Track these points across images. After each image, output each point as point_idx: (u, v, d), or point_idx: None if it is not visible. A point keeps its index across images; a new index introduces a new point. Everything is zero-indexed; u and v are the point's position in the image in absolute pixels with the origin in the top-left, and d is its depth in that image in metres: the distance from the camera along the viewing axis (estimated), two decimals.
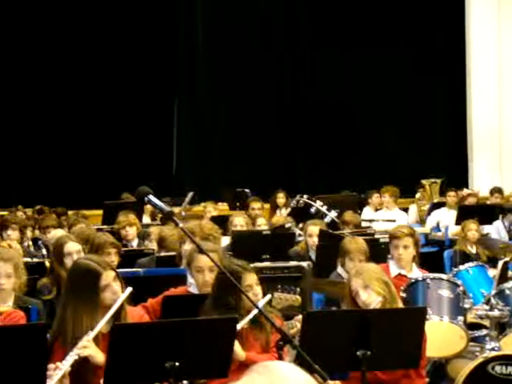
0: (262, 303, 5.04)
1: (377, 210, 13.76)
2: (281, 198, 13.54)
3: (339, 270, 7.19)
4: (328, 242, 8.26)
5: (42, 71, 16.81)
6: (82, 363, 4.50)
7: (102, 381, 4.42)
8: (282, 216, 11.44)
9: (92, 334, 4.54)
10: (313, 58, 17.85)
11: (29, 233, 9.80)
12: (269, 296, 5.24)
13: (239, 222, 9.77)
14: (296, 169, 17.84)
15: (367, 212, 13.69)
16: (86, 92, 17.03)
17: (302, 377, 1.93)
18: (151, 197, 4.25)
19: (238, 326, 4.81)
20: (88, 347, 4.50)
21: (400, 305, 5.34)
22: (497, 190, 14.06)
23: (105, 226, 10.56)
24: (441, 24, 17.32)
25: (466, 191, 13.94)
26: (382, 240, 7.97)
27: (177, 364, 4.28)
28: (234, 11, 17.65)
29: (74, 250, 6.49)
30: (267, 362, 1.97)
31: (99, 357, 4.50)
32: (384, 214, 13.12)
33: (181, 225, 4.24)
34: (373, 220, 12.16)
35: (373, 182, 14.93)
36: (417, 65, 17.31)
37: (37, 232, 10.22)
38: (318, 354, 4.20)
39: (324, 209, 10.66)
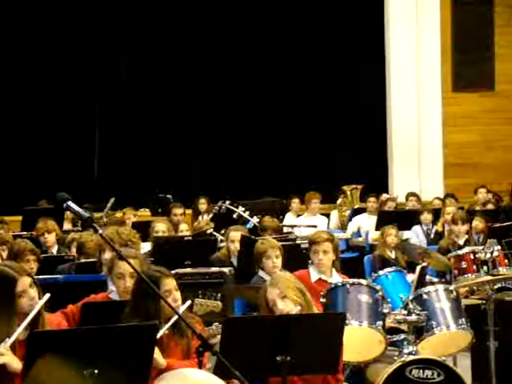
0: (182, 309, 5.02)
1: (298, 215, 13.86)
2: (202, 203, 13.55)
3: (261, 273, 7.23)
4: (250, 248, 8.27)
5: None
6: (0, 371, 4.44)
7: None
8: (203, 221, 11.43)
9: (9, 342, 4.47)
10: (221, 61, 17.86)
11: None
12: (189, 302, 5.22)
13: (161, 227, 9.74)
14: (219, 174, 17.84)
15: (289, 218, 13.78)
16: (9, 97, 16.79)
17: (213, 381, 1.94)
18: (70, 203, 4.20)
19: (159, 334, 4.78)
20: (5, 355, 4.43)
21: (315, 311, 5.40)
22: (412, 194, 14.31)
23: (24, 233, 10.43)
24: (360, 30, 17.50)
25: (384, 196, 14.13)
26: (303, 246, 8.02)
27: (95, 371, 4.23)
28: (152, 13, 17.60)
29: None
30: (177, 369, 1.97)
31: (16, 364, 4.44)
32: (306, 220, 13.21)
33: (100, 231, 4.21)
34: (294, 226, 12.24)
35: (294, 187, 15.03)
36: (338, 70, 17.45)
37: None
38: (239, 360, 4.21)
39: (246, 214, 10.71)
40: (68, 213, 11.23)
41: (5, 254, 6.94)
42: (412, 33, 17.15)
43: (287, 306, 5.11)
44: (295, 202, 14.12)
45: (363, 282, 6.46)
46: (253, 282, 7.01)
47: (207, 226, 10.22)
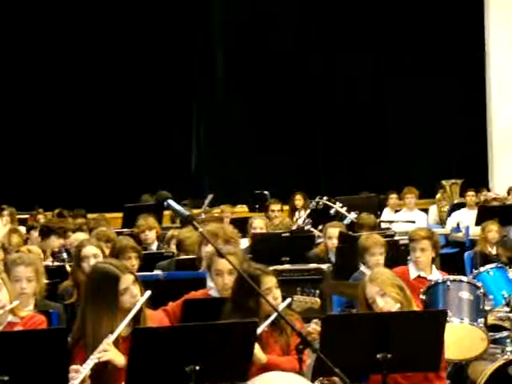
0: (281, 307, 5.04)
1: (396, 211, 13.73)
2: (299, 199, 13.52)
3: (362, 268, 7.17)
4: (347, 244, 8.24)
5: (62, 76, 16.89)
6: (103, 366, 4.53)
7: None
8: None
9: (112, 338, 4.57)
10: (333, 60, 17.84)
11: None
12: (289, 300, 5.23)
13: (258, 224, 9.77)
14: (316, 170, 17.82)
15: (386, 213, 13.66)
16: (107, 95, 17.10)
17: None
18: (170, 201, 4.25)
19: (258, 330, 4.81)
20: (108, 351, 4.53)
21: (415, 308, 5.33)
22: None
23: (125, 229, 10.60)
24: (460, 26, 17.26)
25: (489, 195, 13.86)
26: (401, 242, 7.95)
27: (197, 368, 4.29)
28: (251, 12, 17.66)
29: (90, 253, 6.52)
30: (264, 374, 1.96)
31: (119, 360, 4.53)
32: (404, 215, 13.08)
33: (200, 229, 4.24)
34: (392, 221, 12.12)
35: (392, 183, 14.90)
36: (437, 66, 17.24)
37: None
38: (339, 357, 4.20)
39: (343, 210, 10.63)
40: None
41: (108, 251, 7.06)
42: None
43: (387, 304, 5.06)
44: (393, 198, 13.98)
45: (464, 278, 6.37)
46: (354, 277, 6.96)
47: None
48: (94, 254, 6.52)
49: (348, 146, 17.43)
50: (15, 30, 16.72)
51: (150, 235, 9.42)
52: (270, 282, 5.16)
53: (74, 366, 4.36)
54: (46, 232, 8.93)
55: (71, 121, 17.00)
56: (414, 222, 11.83)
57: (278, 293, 5.18)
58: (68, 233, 9.09)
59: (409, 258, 7.05)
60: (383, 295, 5.07)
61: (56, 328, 5.08)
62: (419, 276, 6.81)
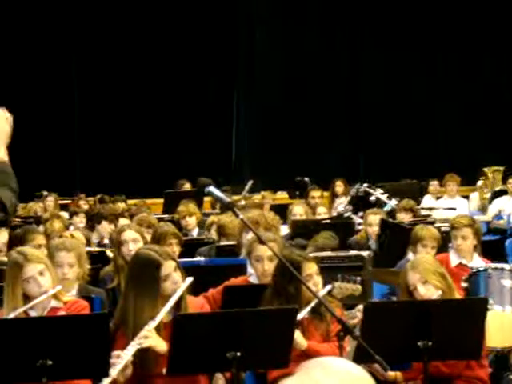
0: (322, 293, 5.04)
1: (437, 198, 13.64)
2: (338, 186, 13.47)
3: (410, 256, 7.13)
4: (388, 231, 8.20)
5: (105, 65, 17.03)
6: (144, 352, 4.56)
7: (164, 369, 4.47)
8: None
9: (153, 324, 4.59)
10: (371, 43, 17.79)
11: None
12: (329, 286, 5.22)
13: (299, 210, 9.75)
14: (357, 156, 17.76)
15: (427, 200, 13.58)
16: (148, 83, 17.21)
17: (354, 370, 1.93)
18: (211, 188, 4.26)
19: (299, 317, 4.81)
20: (150, 337, 4.55)
21: (457, 296, 5.30)
22: None
23: (165, 215, 10.65)
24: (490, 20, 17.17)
25: None
26: (442, 229, 7.88)
27: (238, 354, 4.30)
28: (292, 6, 17.66)
29: (129, 238, 6.54)
30: (321, 357, 1.97)
31: (161, 346, 4.55)
32: (445, 202, 12.99)
33: (241, 216, 4.24)
34: (433, 208, 12.04)
35: (433, 169, 14.81)
36: (481, 54, 17.15)
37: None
38: (379, 345, 4.20)
39: (384, 197, 10.57)
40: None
41: (149, 237, 7.09)
42: None
43: (428, 291, 5.03)
44: (434, 185, 13.89)
45: (506, 266, 6.31)
46: (400, 265, 6.90)
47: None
48: (133, 239, 6.54)
49: (389, 132, 17.34)
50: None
51: (191, 221, 9.45)
52: (310, 268, 5.16)
53: (115, 352, 4.40)
54: (97, 218, 9.02)
55: (113, 108, 17.12)
56: (455, 209, 11.73)
57: (318, 279, 5.17)
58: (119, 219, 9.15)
59: (450, 245, 7.00)
60: (425, 282, 5.04)
61: (98, 313, 5.12)
62: (460, 263, 6.76)
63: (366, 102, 17.68)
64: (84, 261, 5.77)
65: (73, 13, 17.04)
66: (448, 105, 17.26)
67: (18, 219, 11.85)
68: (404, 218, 9.03)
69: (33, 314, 4.70)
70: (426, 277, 5.04)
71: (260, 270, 5.66)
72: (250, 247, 5.83)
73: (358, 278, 6.04)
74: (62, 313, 4.72)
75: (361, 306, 5.14)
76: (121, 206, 11.87)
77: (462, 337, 4.74)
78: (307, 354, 4.79)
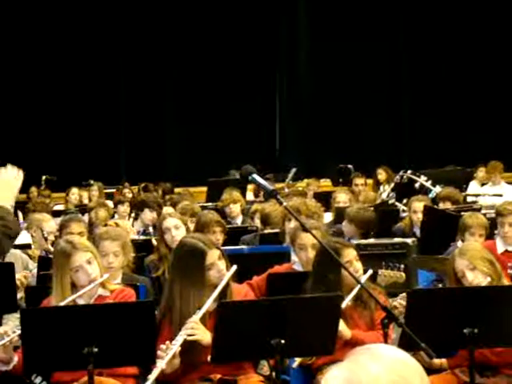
0: (364, 279, 5.01)
1: (483, 184, 13.50)
2: (380, 174, 13.41)
3: (458, 244, 7.07)
4: (433, 218, 8.15)
5: (156, 55, 17.13)
6: (190, 342, 4.57)
7: (208, 357, 4.49)
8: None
9: (200, 314, 4.58)
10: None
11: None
12: (370, 271, 5.19)
13: (342, 198, 9.73)
14: (401, 143, 17.65)
15: (473, 186, 13.45)
16: (191, 72, 17.28)
17: (402, 356, 1.93)
18: (255, 176, 4.25)
19: (343, 304, 4.80)
20: (196, 328, 4.55)
21: (505, 282, 5.24)
22: None
23: (209, 204, 10.69)
24: None
25: None
26: (488, 216, 7.81)
27: (282, 341, 4.30)
28: None
29: (171, 225, 6.55)
30: (369, 344, 1.98)
31: (207, 339, 4.54)
32: (490, 189, 12.86)
33: (284, 204, 4.24)
34: (479, 195, 11.93)
35: (478, 156, 14.65)
36: None
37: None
38: (424, 332, 4.17)
39: (428, 184, 10.50)
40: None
41: (192, 226, 7.11)
42: None
43: (477, 278, 4.97)
44: (481, 171, 13.73)
45: None
46: (448, 252, 6.86)
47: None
48: (175, 225, 6.55)
49: (435, 118, 17.20)
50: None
51: (235, 209, 9.47)
52: (349, 254, 5.15)
53: (162, 346, 4.40)
54: (140, 206, 9.05)
55: (159, 97, 17.23)
56: (501, 195, 11.61)
57: (358, 265, 5.15)
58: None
59: (496, 232, 6.93)
60: (473, 269, 4.99)
61: (145, 301, 5.15)
62: (506, 250, 6.70)
63: (409, 87, 17.54)
64: (128, 249, 5.80)
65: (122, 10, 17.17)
66: (493, 91, 17.06)
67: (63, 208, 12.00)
68: (442, 207, 8.93)
69: (80, 301, 4.74)
70: (474, 263, 4.99)
71: (304, 258, 5.66)
72: (293, 235, 5.82)
73: (402, 266, 6.01)
74: (108, 301, 4.76)
75: (403, 294, 5.11)
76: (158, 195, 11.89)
77: (509, 324, 4.69)
78: (351, 343, 4.77)
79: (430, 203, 8.91)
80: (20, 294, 5.76)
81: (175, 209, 8.70)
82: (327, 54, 17.46)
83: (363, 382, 1.87)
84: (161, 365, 4.32)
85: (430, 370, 4.82)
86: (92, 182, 14.17)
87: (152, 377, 4.32)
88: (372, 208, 8.86)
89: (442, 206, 8.93)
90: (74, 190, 13.12)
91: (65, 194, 13.23)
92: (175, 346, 4.42)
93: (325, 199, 9.67)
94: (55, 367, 4.47)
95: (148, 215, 8.73)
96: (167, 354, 4.36)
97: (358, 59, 17.29)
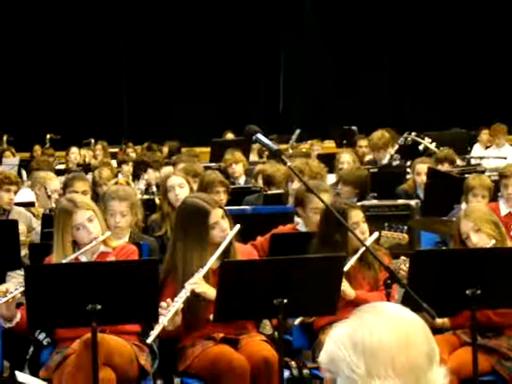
0: (369, 241, 5.02)
1: (487, 147, 13.47)
2: None
3: (462, 206, 7.07)
4: (437, 180, 8.13)
5: (158, 13, 17.06)
6: (193, 299, 4.59)
7: (211, 316, 4.51)
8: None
9: (203, 271, 4.61)
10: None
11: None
12: (376, 234, 5.20)
13: (346, 159, 9.69)
14: (404, 105, 17.59)
15: (477, 149, 13.43)
16: (195, 32, 17.21)
17: (414, 318, 1.94)
18: (259, 135, 4.23)
19: (347, 266, 4.81)
20: (199, 284, 4.58)
21: (509, 244, 5.23)
22: None
23: (212, 164, 10.67)
24: None
25: None
26: (492, 178, 7.80)
27: (285, 301, 4.31)
28: None
29: (175, 183, 6.51)
30: (377, 303, 1.98)
31: (211, 292, 4.58)
32: (494, 152, 12.84)
33: (289, 164, 4.22)
34: (483, 157, 11.91)
35: (482, 118, 14.60)
36: None
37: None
38: (427, 293, 4.18)
39: (432, 146, 10.47)
40: (254, 144, 11.42)
41: (195, 186, 7.10)
42: None
43: (481, 240, 4.97)
44: (485, 134, 13.70)
45: None
46: (452, 214, 6.85)
47: None
48: (179, 184, 6.51)
49: (438, 80, 17.13)
50: None
51: (237, 169, 9.46)
52: (356, 216, 5.14)
53: (163, 303, 4.42)
54: (142, 165, 9.03)
55: (161, 54, 17.17)
56: (505, 158, 11.60)
57: (365, 227, 5.15)
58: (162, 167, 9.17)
59: (499, 194, 6.92)
60: (478, 231, 4.98)
61: (148, 259, 5.16)
62: (510, 213, 6.69)
63: (415, 50, 17.45)
64: (137, 209, 5.80)
65: None
66: (497, 54, 16.96)
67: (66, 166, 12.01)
68: (441, 169, 8.87)
69: (83, 258, 4.76)
70: (479, 225, 4.98)
71: (315, 221, 5.57)
72: (304, 197, 5.73)
73: (405, 227, 6.01)
74: (111, 257, 4.77)
75: (403, 258, 5.11)
76: (161, 155, 11.90)
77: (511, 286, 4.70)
78: (354, 304, 4.78)
79: (433, 165, 8.87)
80: (24, 251, 5.78)
81: (174, 169, 8.68)
82: (330, 14, 17.35)
83: (366, 340, 1.87)
84: (163, 321, 4.35)
85: (433, 330, 4.84)
86: (92, 140, 14.16)
87: (154, 333, 4.35)
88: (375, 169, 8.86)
89: (440, 167, 8.89)
90: (74, 150, 13.12)
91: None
92: (178, 302, 4.44)
93: (328, 161, 9.64)
94: (58, 324, 4.49)
95: (151, 175, 8.71)
96: (169, 311, 4.38)
97: (360, 17, 17.19)
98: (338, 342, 1.90)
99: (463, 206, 6.92)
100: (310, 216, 5.63)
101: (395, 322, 1.90)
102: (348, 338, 1.89)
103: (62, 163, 13.01)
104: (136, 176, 9.58)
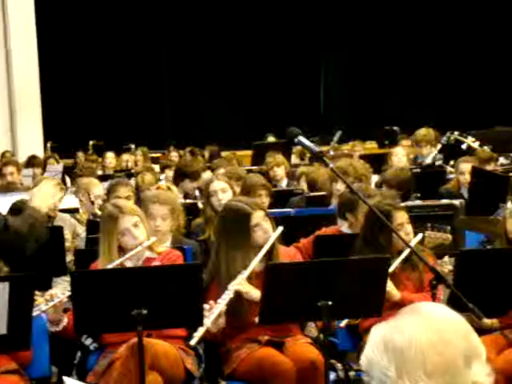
0: (414, 242, 4.99)
1: None
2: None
3: (508, 204, 6.99)
4: (481, 180, 8.06)
5: (197, 21, 17.13)
6: (237, 302, 4.60)
7: (256, 318, 4.51)
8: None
9: (246, 273, 4.62)
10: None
11: None
12: (420, 235, 5.17)
13: (401, 152, 9.60)
14: (448, 104, 17.47)
15: None
16: (234, 35, 17.25)
17: (451, 316, 1.91)
18: (301, 138, 4.22)
19: (392, 267, 4.78)
20: (243, 284, 4.59)
21: None
22: None
23: (254, 167, 10.68)
24: None
25: None
26: None
27: (329, 303, 4.30)
28: None
29: (218, 187, 6.52)
30: (416, 304, 1.96)
31: (254, 293, 4.59)
32: None
33: (331, 165, 4.20)
34: None
35: None
36: None
37: None
38: (473, 293, 4.13)
39: (476, 145, 10.38)
40: (296, 147, 11.41)
41: (238, 190, 7.11)
42: None
43: None
44: None
45: None
46: (498, 213, 6.78)
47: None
48: (221, 189, 6.52)
49: (481, 78, 16.98)
50: None
51: (279, 172, 9.46)
52: (401, 217, 5.11)
53: (206, 305, 4.42)
54: (179, 175, 9.04)
55: (202, 59, 17.22)
56: None
57: (409, 228, 5.12)
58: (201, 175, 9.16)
59: None
60: None
61: (192, 263, 5.18)
62: None
63: (454, 49, 17.32)
64: (178, 213, 5.82)
65: None
66: None
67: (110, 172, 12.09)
68: (489, 168, 8.79)
69: (128, 264, 4.78)
70: None
71: (360, 223, 5.51)
72: (354, 201, 5.65)
73: (448, 227, 5.96)
74: (156, 263, 4.79)
75: (446, 258, 5.06)
76: (203, 160, 11.91)
77: None
78: (400, 305, 4.75)
79: (477, 164, 8.79)
80: (69, 257, 5.83)
81: (214, 174, 8.68)
82: (372, 16, 17.30)
83: (396, 341, 1.85)
84: (206, 323, 4.35)
85: (481, 331, 4.79)
86: (133, 146, 14.23)
87: (197, 334, 4.36)
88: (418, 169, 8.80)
89: (487, 167, 8.83)
90: (109, 154, 13.18)
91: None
92: (222, 303, 4.45)
93: (370, 161, 9.59)
94: (105, 329, 4.52)
95: (189, 185, 8.72)
96: (213, 313, 4.39)
97: (401, 22, 17.11)
98: (374, 344, 1.88)
99: (509, 205, 6.85)
100: (361, 219, 5.59)
101: (428, 321, 1.87)
102: (381, 340, 1.87)
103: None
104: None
